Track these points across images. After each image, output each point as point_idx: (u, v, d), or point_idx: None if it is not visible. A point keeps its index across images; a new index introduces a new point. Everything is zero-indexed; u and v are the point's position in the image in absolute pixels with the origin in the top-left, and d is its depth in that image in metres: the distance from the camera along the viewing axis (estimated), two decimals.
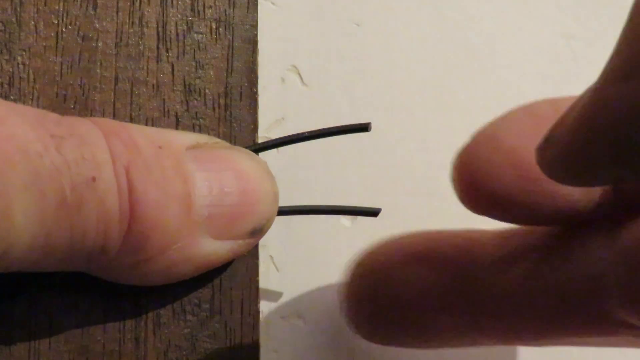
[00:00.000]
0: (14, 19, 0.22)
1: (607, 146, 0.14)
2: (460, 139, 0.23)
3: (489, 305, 0.21)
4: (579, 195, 0.19)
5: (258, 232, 0.21)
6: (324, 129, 0.23)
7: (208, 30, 0.24)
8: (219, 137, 0.23)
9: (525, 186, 0.19)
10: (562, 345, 0.23)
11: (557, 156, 0.16)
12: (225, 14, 0.24)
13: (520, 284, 0.20)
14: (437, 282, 0.21)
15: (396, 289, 0.22)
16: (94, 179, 0.18)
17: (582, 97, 0.15)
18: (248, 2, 0.24)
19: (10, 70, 0.22)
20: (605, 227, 0.19)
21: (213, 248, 0.21)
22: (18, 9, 0.22)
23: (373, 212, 0.23)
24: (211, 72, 0.24)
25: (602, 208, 0.20)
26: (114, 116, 0.23)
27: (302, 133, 0.23)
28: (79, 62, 0.23)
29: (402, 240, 0.22)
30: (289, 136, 0.23)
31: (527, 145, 0.19)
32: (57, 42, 0.23)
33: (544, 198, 0.19)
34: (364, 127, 0.23)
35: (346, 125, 0.23)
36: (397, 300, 0.22)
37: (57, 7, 0.23)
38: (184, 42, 0.24)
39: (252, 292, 0.23)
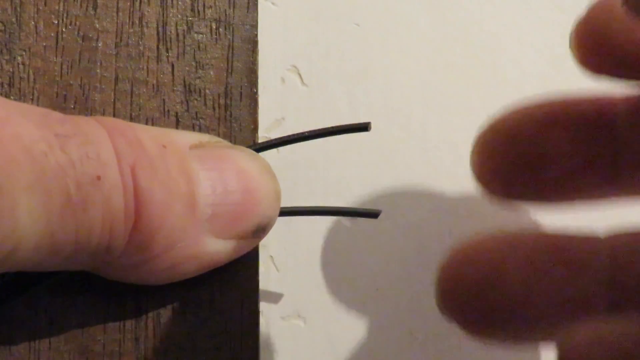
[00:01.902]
0: (14, 19, 0.22)
1: None
2: (460, 138, 0.23)
3: (626, 162, 0.22)
4: None
5: (261, 230, 0.21)
6: (323, 128, 0.23)
7: (208, 30, 0.24)
8: (219, 137, 0.23)
9: None
10: None
11: None
12: (225, 14, 0.24)
13: None
14: (575, 143, 0.22)
15: (533, 149, 0.22)
16: (99, 178, 0.18)
17: None
18: (248, 2, 0.24)
19: (11, 70, 0.22)
20: None
21: (216, 247, 0.21)
22: (18, 9, 0.22)
23: (373, 214, 0.23)
24: (211, 72, 0.24)
25: None
26: (114, 116, 0.23)
27: (302, 133, 0.23)
28: (79, 62, 0.23)
29: (530, 108, 0.23)
30: (289, 136, 0.23)
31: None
32: (57, 42, 0.23)
33: None
34: (363, 127, 0.23)
35: (346, 125, 0.23)
36: (536, 161, 0.22)
37: (57, 7, 0.23)
38: (184, 42, 0.24)
39: (252, 292, 0.23)
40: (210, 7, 0.24)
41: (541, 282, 0.22)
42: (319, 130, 0.23)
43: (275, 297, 0.24)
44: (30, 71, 0.22)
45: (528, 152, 0.22)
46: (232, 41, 0.24)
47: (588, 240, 0.22)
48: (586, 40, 0.21)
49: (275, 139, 0.23)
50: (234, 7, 0.24)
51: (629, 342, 0.19)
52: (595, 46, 0.21)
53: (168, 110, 0.23)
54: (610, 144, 0.22)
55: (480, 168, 0.23)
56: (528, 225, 0.26)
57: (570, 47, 0.22)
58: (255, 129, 0.24)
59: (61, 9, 0.23)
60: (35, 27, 0.22)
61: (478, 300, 0.22)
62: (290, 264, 0.24)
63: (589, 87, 0.23)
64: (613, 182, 0.22)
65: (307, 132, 0.23)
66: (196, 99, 0.23)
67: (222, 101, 0.24)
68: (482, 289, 0.22)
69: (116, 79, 0.23)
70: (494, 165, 0.23)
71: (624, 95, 0.22)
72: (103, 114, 0.23)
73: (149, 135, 0.20)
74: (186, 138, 0.21)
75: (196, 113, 0.23)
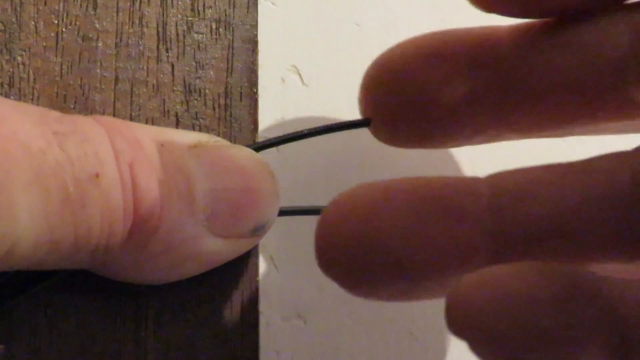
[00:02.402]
0: (14, 19, 0.22)
1: None
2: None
3: (513, 94, 0.21)
4: None
5: (260, 229, 0.21)
6: (324, 125, 0.23)
7: (208, 30, 0.24)
8: (219, 137, 0.23)
9: None
10: (581, 135, 0.23)
11: None
12: (225, 14, 0.24)
13: (541, 71, 0.21)
14: (460, 77, 0.21)
15: (418, 87, 0.22)
16: (97, 176, 0.18)
17: None
18: (248, 2, 0.24)
19: (11, 70, 0.22)
20: (621, 11, 0.20)
21: (216, 246, 0.21)
22: (18, 9, 0.22)
23: (363, 123, 0.23)
24: (211, 72, 0.24)
25: None
26: (114, 116, 0.23)
27: (302, 131, 0.23)
28: (79, 62, 0.23)
29: (418, 41, 0.22)
30: (289, 134, 0.23)
31: None
32: (57, 42, 0.23)
33: None
34: (364, 123, 0.23)
35: (347, 121, 0.23)
36: (419, 97, 0.22)
37: (57, 7, 0.23)
38: (184, 42, 0.24)
39: (252, 292, 0.23)
40: (210, 7, 0.24)
41: (419, 233, 0.20)
42: (320, 127, 0.23)
43: (275, 297, 0.24)
44: (30, 71, 0.22)
45: (411, 90, 0.22)
46: (232, 41, 0.24)
47: (468, 185, 0.21)
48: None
49: (275, 138, 0.23)
50: (234, 7, 0.24)
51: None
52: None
53: (168, 110, 0.23)
54: (495, 78, 0.21)
55: (365, 106, 0.23)
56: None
57: None
58: (255, 129, 0.24)
59: (61, 9, 0.23)
60: (35, 27, 0.22)
61: (355, 256, 0.21)
62: (290, 264, 0.24)
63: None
64: (499, 120, 0.22)
65: (306, 130, 0.23)
66: (196, 99, 0.23)
67: (222, 101, 0.24)
68: (357, 244, 0.21)
69: (116, 79, 0.23)
70: (379, 105, 0.22)
71: (508, 26, 0.22)
72: (103, 114, 0.23)
73: (148, 134, 0.20)
74: (185, 137, 0.21)
75: (196, 113, 0.23)
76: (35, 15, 0.23)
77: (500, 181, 0.21)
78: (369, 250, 0.21)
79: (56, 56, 0.23)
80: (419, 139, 0.23)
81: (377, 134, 0.23)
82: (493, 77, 0.21)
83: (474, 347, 0.18)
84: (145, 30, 0.23)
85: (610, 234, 0.19)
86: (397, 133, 0.23)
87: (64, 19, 0.23)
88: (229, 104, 0.24)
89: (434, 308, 0.25)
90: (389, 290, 0.21)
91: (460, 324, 0.18)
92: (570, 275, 0.18)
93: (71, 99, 0.22)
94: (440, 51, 0.22)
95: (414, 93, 0.22)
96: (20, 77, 0.22)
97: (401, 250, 0.20)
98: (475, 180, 0.21)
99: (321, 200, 0.25)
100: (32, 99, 0.22)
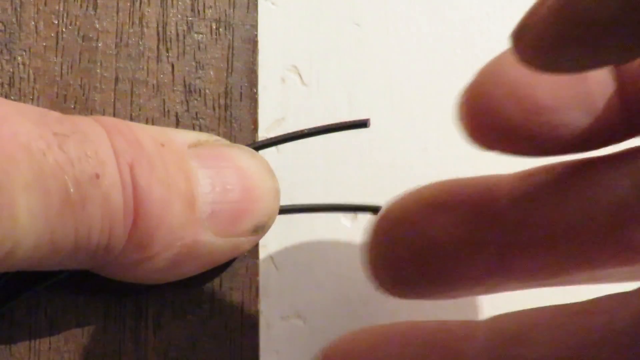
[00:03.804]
0: (14, 19, 0.22)
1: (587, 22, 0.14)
2: (460, 138, 0.23)
3: (515, 244, 0.21)
4: (584, 122, 0.20)
5: (260, 229, 0.21)
6: (323, 126, 0.23)
7: (208, 31, 0.24)
8: (219, 137, 0.23)
9: (530, 118, 0.20)
10: (583, 284, 0.23)
11: (535, 38, 0.16)
12: (225, 14, 0.24)
13: (543, 218, 0.21)
14: (462, 228, 0.21)
15: (421, 240, 0.22)
16: (97, 176, 0.18)
17: None
18: (248, 2, 0.24)
19: (11, 70, 0.22)
20: (623, 156, 0.20)
21: (216, 245, 0.21)
22: (18, 9, 0.22)
23: (373, 209, 0.23)
24: (211, 72, 0.24)
25: (609, 134, 0.20)
26: (114, 116, 0.23)
27: (302, 130, 0.23)
28: (79, 62, 0.23)
29: (421, 192, 0.22)
30: (289, 134, 0.23)
31: (528, 77, 0.19)
32: (57, 42, 0.23)
33: (549, 128, 0.20)
34: (362, 124, 0.23)
35: (346, 122, 0.23)
36: (422, 250, 0.22)
37: (57, 7, 0.23)
38: (184, 42, 0.24)
39: (252, 292, 0.23)
40: (210, 7, 0.24)
41: None
42: (319, 127, 0.23)
43: (275, 297, 0.24)
44: (30, 71, 0.22)
45: (415, 241, 0.22)
46: (232, 41, 0.24)
47: (465, 329, 0.21)
48: (472, 112, 0.20)
49: (275, 137, 0.23)
50: (234, 7, 0.24)
51: None
52: (482, 119, 0.20)
53: (168, 110, 0.23)
54: (496, 229, 0.21)
55: (371, 268, 0.23)
56: None
57: (457, 120, 0.21)
58: (255, 129, 0.24)
59: (61, 9, 0.23)
60: (35, 27, 0.22)
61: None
62: (290, 264, 0.24)
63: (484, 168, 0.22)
64: (499, 270, 0.22)
65: (306, 129, 0.23)
66: (196, 99, 0.23)
67: (222, 101, 0.24)
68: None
69: (116, 79, 0.23)
70: (384, 263, 0.23)
71: (509, 175, 0.22)
72: (103, 114, 0.23)
73: (148, 134, 0.20)
74: (185, 137, 0.21)
75: (196, 113, 0.23)
76: (36, 15, 0.23)
77: (499, 324, 0.21)
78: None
79: (56, 56, 0.23)
80: (420, 289, 0.23)
81: (383, 287, 0.23)
82: (494, 227, 0.21)
83: None
84: (145, 30, 0.23)
85: None
86: (402, 285, 0.23)
87: (64, 19, 0.23)
88: (229, 104, 0.24)
89: (433, 309, 0.25)
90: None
91: None
92: None
93: (71, 99, 0.22)
94: (443, 200, 0.22)
95: (416, 244, 0.22)
96: (21, 77, 0.22)
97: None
98: (473, 325, 0.21)
99: (321, 199, 0.25)
100: (32, 99, 0.22)
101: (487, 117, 0.20)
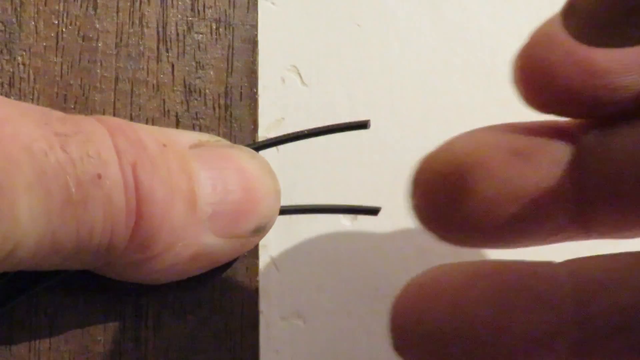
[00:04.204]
0: (14, 19, 0.22)
1: None
2: None
3: (598, 194, 0.20)
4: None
5: (261, 229, 0.21)
6: (323, 126, 0.23)
7: (208, 31, 0.24)
8: (219, 137, 0.23)
9: (588, 80, 0.19)
10: None
11: (586, 18, 0.15)
12: (225, 14, 0.24)
13: (628, 168, 0.20)
14: (541, 175, 0.20)
15: (496, 188, 0.21)
16: (99, 176, 0.18)
17: None
18: (248, 2, 0.24)
19: (11, 70, 0.22)
20: None
21: (217, 246, 0.21)
22: (18, 9, 0.22)
23: (373, 211, 0.23)
24: (211, 72, 0.24)
25: None
26: (114, 116, 0.23)
27: (302, 131, 0.23)
28: (79, 62, 0.23)
29: (496, 133, 0.21)
30: (289, 134, 0.23)
31: None
32: (57, 42, 0.23)
33: (608, 91, 0.19)
34: (363, 125, 0.23)
35: (346, 123, 0.23)
36: (497, 199, 0.21)
37: (57, 7, 0.23)
38: (184, 42, 0.24)
39: (252, 292, 0.23)
40: (210, 7, 0.24)
41: (504, 322, 0.20)
42: (318, 128, 0.23)
43: (275, 297, 0.24)
44: (30, 71, 0.22)
45: (489, 189, 0.21)
46: (232, 41, 0.24)
47: (549, 273, 0.20)
48: (529, 75, 0.20)
49: (275, 138, 0.23)
50: (234, 7, 0.24)
51: None
52: (539, 82, 0.20)
53: (168, 110, 0.23)
54: (577, 177, 0.20)
55: (421, 206, 0.22)
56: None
57: (513, 82, 0.20)
58: (255, 129, 0.24)
59: (61, 9, 0.23)
60: (35, 27, 0.22)
61: (436, 343, 0.20)
62: (290, 264, 0.24)
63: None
64: (579, 221, 0.21)
65: (306, 130, 0.23)
66: (196, 99, 0.23)
67: (222, 101, 0.24)
68: (441, 330, 0.20)
69: (116, 79, 0.23)
70: (436, 203, 0.21)
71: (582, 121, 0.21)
72: (103, 114, 0.23)
73: (150, 134, 0.20)
74: (186, 137, 0.21)
75: (196, 113, 0.23)
76: (36, 15, 0.23)
77: (581, 269, 0.20)
78: (451, 337, 0.20)
79: (56, 56, 0.23)
80: (495, 238, 0.22)
81: (450, 234, 0.22)
82: (575, 176, 0.20)
83: None
84: (145, 30, 0.23)
85: None
86: (456, 231, 0.22)
87: (64, 19, 0.23)
88: (229, 104, 0.24)
89: None
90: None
91: None
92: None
93: (71, 99, 0.22)
94: (523, 148, 0.21)
95: (491, 193, 0.21)
96: (21, 77, 0.22)
97: (485, 339, 0.20)
98: (554, 267, 0.21)
99: (321, 200, 0.25)
100: (32, 99, 0.22)
101: (545, 79, 0.20)
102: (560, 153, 0.21)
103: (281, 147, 0.24)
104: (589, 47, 0.17)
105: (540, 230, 0.21)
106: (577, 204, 0.20)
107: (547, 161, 0.21)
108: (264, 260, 0.24)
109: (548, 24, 0.20)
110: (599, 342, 0.20)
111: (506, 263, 0.21)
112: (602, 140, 0.20)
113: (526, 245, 0.22)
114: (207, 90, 0.24)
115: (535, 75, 0.20)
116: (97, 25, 0.23)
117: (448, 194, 0.21)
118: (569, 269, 0.20)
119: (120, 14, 0.23)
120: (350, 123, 0.23)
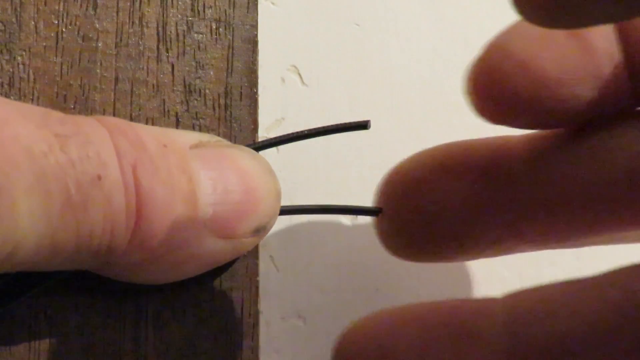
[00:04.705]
0: (14, 19, 0.22)
1: None
2: (459, 138, 0.23)
3: (525, 207, 0.21)
4: (592, 94, 0.20)
5: (261, 230, 0.21)
6: (323, 127, 0.23)
7: (208, 30, 0.24)
8: (219, 137, 0.23)
9: (538, 91, 0.20)
10: (597, 245, 0.22)
11: None
12: (225, 14, 0.24)
13: (557, 179, 0.20)
14: (471, 191, 0.21)
15: (430, 204, 0.22)
16: (99, 177, 0.18)
17: None
18: (248, 2, 0.24)
19: (11, 70, 0.22)
20: (638, 115, 0.20)
21: (217, 246, 0.21)
22: (18, 9, 0.22)
23: (374, 211, 0.23)
24: (211, 72, 0.24)
25: (616, 106, 0.20)
26: (114, 116, 0.23)
27: (302, 131, 0.23)
28: (79, 62, 0.23)
29: (429, 154, 0.22)
30: (289, 134, 0.23)
31: (536, 51, 0.19)
32: (57, 42, 0.23)
33: (558, 101, 0.20)
34: (363, 125, 0.23)
35: (346, 123, 0.23)
36: (433, 214, 0.22)
37: (57, 7, 0.23)
38: (184, 42, 0.24)
39: (252, 292, 0.23)
40: (210, 7, 0.24)
41: (436, 358, 0.21)
42: (318, 128, 0.23)
43: (275, 297, 0.24)
44: (30, 71, 0.22)
45: (425, 205, 0.22)
46: (232, 41, 0.24)
47: (483, 307, 0.21)
48: (481, 86, 0.20)
49: (275, 138, 0.23)
50: (234, 7, 0.24)
51: None
52: (491, 93, 0.20)
53: (168, 110, 0.23)
54: (509, 191, 0.21)
55: (381, 231, 0.23)
56: None
57: (465, 94, 0.21)
58: (255, 129, 0.24)
59: (61, 9, 0.23)
60: (35, 27, 0.22)
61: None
62: (290, 264, 0.24)
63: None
64: (513, 233, 0.21)
65: (306, 130, 0.23)
66: (196, 99, 0.23)
67: (222, 101, 0.24)
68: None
69: (116, 79, 0.23)
70: (394, 227, 0.23)
71: (520, 136, 0.22)
72: (103, 114, 0.23)
73: (150, 135, 0.20)
74: (187, 137, 0.21)
75: (196, 113, 0.23)
76: (35, 15, 0.23)
77: (516, 301, 0.21)
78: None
79: (56, 56, 0.23)
80: (432, 252, 0.23)
81: (390, 247, 0.23)
82: (506, 189, 0.21)
83: None
84: (145, 30, 0.23)
85: (631, 345, 0.19)
86: (410, 245, 0.23)
87: (64, 19, 0.23)
88: (229, 104, 0.24)
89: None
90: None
91: None
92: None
93: (71, 99, 0.22)
94: (454, 164, 0.22)
95: (427, 206, 0.22)
96: (20, 77, 0.22)
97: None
98: (490, 301, 0.21)
99: (321, 200, 0.25)
100: (32, 99, 0.22)
101: (496, 90, 0.20)
102: (494, 167, 0.21)
103: (281, 147, 0.24)
104: (542, 50, 0.17)
105: (475, 242, 0.22)
106: (510, 215, 0.21)
107: (479, 176, 0.21)
108: (264, 260, 0.24)
109: (501, 36, 0.20)
110: None
111: (441, 303, 0.22)
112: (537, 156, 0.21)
113: (471, 258, 0.23)
114: (207, 90, 0.24)
115: (487, 86, 0.20)
116: (97, 25, 0.23)
117: (393, 213, 0.22)
118: (505, 302, 0.21)
119: (120, 14, 0.23)
120: (350, 123, 0.23)
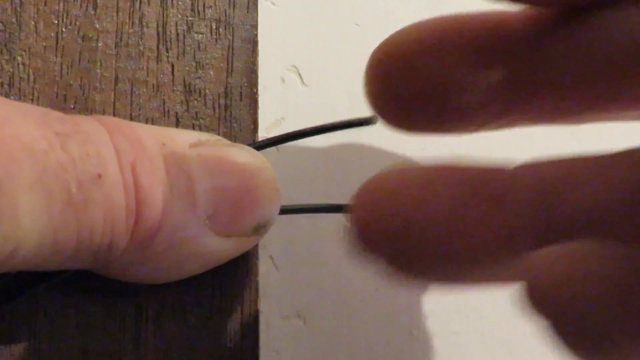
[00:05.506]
0: (14, 19, 0.22)
1: None
2: (459, 138, 0.23)
3: (529, 81, 0.20)
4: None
5: (261, 228, 0.21)
6: (328, 124, 0.23)
7: (208, 30, 0.24)
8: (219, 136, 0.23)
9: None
10: (600, 122, 0.21)
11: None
12: (225, 14, 0.24)
13: (558, 59, 0.20)
14: (473, 62, 0.21)
15: (428, 73, 0.21)
16: (99, 176, 0.18)
17: None
18: (248, 2, 0.24)
19: (11, 70, 0.22)
20: None
21: (217, 245, 0.21)
22: (18, 9, 0.22)
23: (367, 121, 0.23)
24: (211, 72, 0.24)
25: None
26: (114, 116, 0.23)
27: (304, 129, 0.23)
28: (79, 62, 0.23)
29: (424, 25, 0.21)
30: (290, 133, 0.23)
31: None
32: (57, 42, 0.23)
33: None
34: (368, 121, 0.22)
35: (351, 120, 0.23)
36: (430, 84, 0.21)
37: (57, 7, 0.23)
38: (184, 42, 0.24)
39: (252, 292, 0.23)
40: (210, 7, 0.24)
41: (464, 221, 0.19)
42: (323, 125, 0.23)
43: (275, 297, 0.24)
44: (30, 71, 0.22)
45: (421, 76, 0.21)
46: (232, 41, 0.24)
47: (504, 173, 0.20)
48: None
49: (276, 137, 0.23)
50: (234, 7, 0.24)
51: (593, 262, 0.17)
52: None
53: (168, 110, 0.23)
54: (510, 66, 0.20)
55: (372, 99, 0.22)
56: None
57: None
58: (255, 129, 0.24)
59: (61, 9, 0.23)
60: (35, 27, 0.22)
61: (396, 244, 0.20)
62: (290, 264, 0.24)
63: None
64: (513, 107, 0.21)
65: (308, 128, 0.23)
66: (196, 99, 0.23)
67: (222, 101, 0.24)
68: (400, 231, 0.20)
69: (116, 79, 0.23)
70: (388, 93, 0.22)
71: (518, 12, 0.21)
72: (103, 114, 0.23)
73: (149, 134, 0.20)
74: (186, 136, 0.21)
75: (196, 113, 0.23)
76: (35, 15, 0.23)
77: (537, 171, 0.20)
78: (413, 238, 0.20)
79: (56, 56, 0.23)
80: (431, 126, 0.22)
81: (388, 122, 0.22)
82: (508, 64, 0.20)
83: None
84: (145, 30, 0.23)
85: None
86: (408, 120, 0.22)
87: (64, 19, 0.23)
88: (229, 104, 0.24)
89: (433, 308, 0.25)
90: (432, 277, 0.21)
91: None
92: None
93: (71, 99, 0.22)
94: (451, 36, 0.21)
95: (424, 79, 0.21)
96: (20, 77, 0.22)
97: (447, 237, 0.20)
98: (512, 171, 0.20)
99: (321, 200, 0.25)
100: (32, 99, 0.22)
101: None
102: (492, 39, 0.21)
103: (281, 147, 0.24)
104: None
105: (471, 116, 0.21)
106: (508, 89, 0.20)
107: (476, 48, 0.21)
108: (264, 260, 0.24)
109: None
110: (561, 241, 0.19)
111: (467, 167, 0.21)
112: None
113: (466, 132, 0.22)
114: (207, 90, 0.24)
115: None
116: (97, 25, 0.23)
117: (383, 85, 0.21)
118: (525, 172, 0.20)
119: (120, 14, 0.23)
120: (355, 120, 0.23)
